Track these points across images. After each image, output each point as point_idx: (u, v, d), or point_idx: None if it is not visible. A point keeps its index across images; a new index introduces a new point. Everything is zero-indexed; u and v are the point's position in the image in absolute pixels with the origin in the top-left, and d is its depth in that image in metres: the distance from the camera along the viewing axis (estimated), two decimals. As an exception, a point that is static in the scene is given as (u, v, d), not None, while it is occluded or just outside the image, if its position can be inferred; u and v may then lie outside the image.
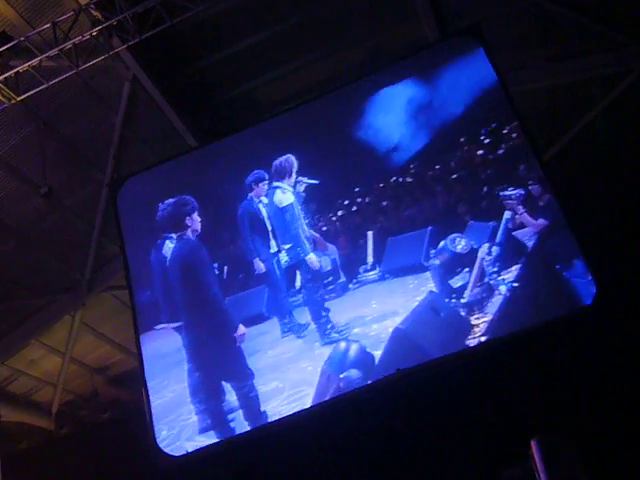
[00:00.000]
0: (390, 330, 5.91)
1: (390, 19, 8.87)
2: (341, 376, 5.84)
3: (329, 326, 6.28)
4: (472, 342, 5.68)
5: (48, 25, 7.34)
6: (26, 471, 9.53)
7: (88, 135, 9.35)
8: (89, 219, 10.18)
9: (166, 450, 6.41)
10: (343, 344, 6.04)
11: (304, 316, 6.48)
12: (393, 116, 6.98)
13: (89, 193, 9.97)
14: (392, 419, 6.74)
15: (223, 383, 6.23)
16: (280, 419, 6.15)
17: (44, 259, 10.29)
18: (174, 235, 6.49)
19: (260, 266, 6.75)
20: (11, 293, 10.18)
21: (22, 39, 7.33)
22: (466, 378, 6.34)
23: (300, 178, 6.74)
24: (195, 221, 6.51)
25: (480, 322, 5.67)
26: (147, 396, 6.84)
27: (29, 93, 7.72)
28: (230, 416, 6.19)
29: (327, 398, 5.91)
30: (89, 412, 12.59)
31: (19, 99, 7.72)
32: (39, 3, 7.51)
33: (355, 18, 8.83)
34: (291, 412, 6.09)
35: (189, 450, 6.37)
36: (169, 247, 6.53)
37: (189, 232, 6.46)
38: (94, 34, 7.38)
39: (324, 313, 6.36)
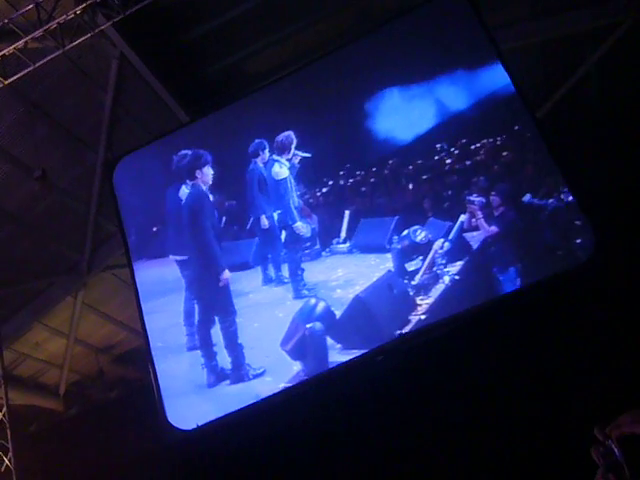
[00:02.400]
0: (351, 296, 6.71)
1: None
2: (307, 326, 6.61)
3: (302, 284, 7.07)
4: (414, 319, 6.45)
5: (31, 6, 7.26)
6: (38, 453, 9.62)
7: (79, 115, 9.30)
8: (85, 199, 10.16)
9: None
10: (313, 300, 6.83)
11: (284, 271, 7.26)
12: (389, 104, 7.35)
13: (83, 173, 9.95)
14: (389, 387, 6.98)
15: (212, 315, 7.01)
16: (277, 393, 6.56)
17: (42, 242, 10.30)
18: (189, 182, 7.23)
19: (265, 222, 7.39)
20: (12, 277, 10.20)
21: (6, 21, 7.25)
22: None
23: (296, 152, 7.34)
24: (205, 174, 7.15)
25: (423, 303, 6.52)
26: (155, 373, 6.95)
27: (17, 76, 7.66)
28: (214, 341, 6.88)
29: (293, 341, 6.63)
30: (96, 391, 12.68)
31: (7, 82, 7.66)
32: (21, -16, 7.43)
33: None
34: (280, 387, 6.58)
35: (199, 424, 6.62)
36: (184, 192, 7.31)
37: (200, 182, 7.15)
38: (78, 12, 7.30)
39: (299, 272, 7.14)
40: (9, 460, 7.58)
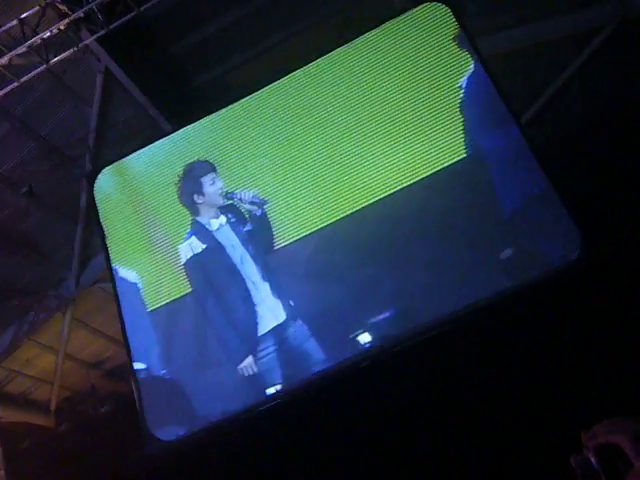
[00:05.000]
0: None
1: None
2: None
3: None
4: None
5: (15, 22, 7.27)
6: (30, 469, 9.57)
7: (65, 130, 9.30)
8: (72, 214, 10.14)
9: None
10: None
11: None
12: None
13: (70, 189, 9.92)
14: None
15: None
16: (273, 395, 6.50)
17: (30, 258, 10.27)
18: None
19: None
20: None
21: (-11, 38, 7.27)
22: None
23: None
24: None
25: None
26: (136, 381, 6.94)
27: (1, 92, 7.67)
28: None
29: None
30: (88, 407, 12.61)
31: (-9, 99, 7.68)
32: (3, 0, 7.43)
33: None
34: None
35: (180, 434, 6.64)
36: None
37: None
38: (62, 28, 7.32)
39: None
40: (1, 477, 7.54)
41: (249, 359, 6.53)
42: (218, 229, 6.96)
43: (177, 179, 7.32)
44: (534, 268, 6.23)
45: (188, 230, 7.14)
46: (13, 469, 7.76)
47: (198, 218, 7.12)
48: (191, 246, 7.02)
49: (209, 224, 7.02)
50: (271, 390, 6.48)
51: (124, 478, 8.57)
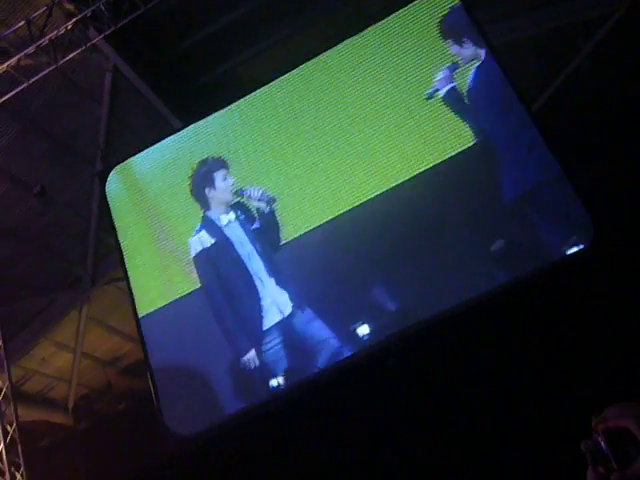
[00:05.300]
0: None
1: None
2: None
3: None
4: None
5: (22, 23, 7.28)
6: (49, 468, 9.64)
7: (75, 129, 9.32)
8: (85, 213, 10.18)
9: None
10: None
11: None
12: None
13: (82, 187, 9.97)
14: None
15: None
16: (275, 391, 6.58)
17: (44, 258, 10.33)
18: None
19: None
20: (15, 295, 10.21)
21: (-3, 39, 7.29)
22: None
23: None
24: None
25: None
26: (152, 377, 6.99)
27: (11, 93, 7.69)
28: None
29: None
30: (105, 404, 12.69)
31: (1, 100, 7.69)
32: (10, 1, 7.44)
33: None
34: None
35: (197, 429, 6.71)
36: None
37: None
38: (69, 27, 7.33)
39: None
40: (21, 475, 7.59)
41: (252, 352, 6.62)
42: (227, 225, 7.04)
43: (191, 172, 7.40)
44: (545, 255, 6.21)
45: (199, 224, 7.21)
46: (33, 468, 7.81)
47: (208, 213, 7.19)
48: (201, 240, 7.10)
49: (219, 219, 7.10)
50: (274, 382, 6.55)
51: (142, 474, 8.62)
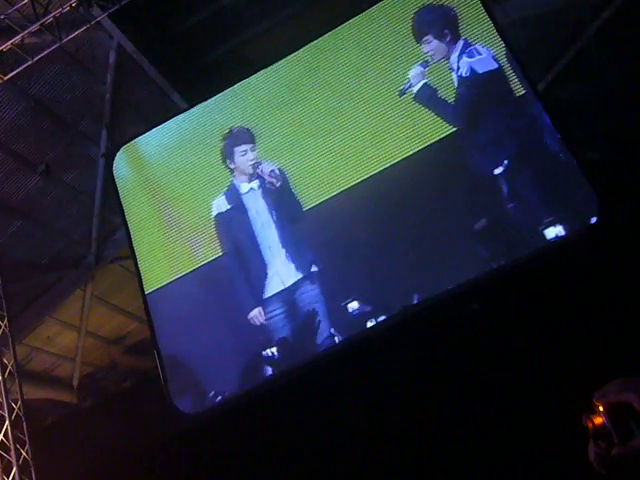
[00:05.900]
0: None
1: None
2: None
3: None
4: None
5: (27, 1, 7.25)
6: (54, 445, 9.68)
7: (79, 108, 9.30)
8: (89, 192, 10.19)
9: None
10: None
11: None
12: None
13: (86, 166, 9.97)
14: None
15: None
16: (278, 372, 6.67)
17: (50, 236, 10.34)
18: None
19: None
20: (20, 273, 10.22)
21: (2, 17, 7.25)
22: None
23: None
24: None
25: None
26: (159, 354, 7.05)
27: (15, 71, 7.66)
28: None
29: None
30: (110, 383, 12.75)
31: (6, 78, 7.67)
32: (14, -21, 7.40)
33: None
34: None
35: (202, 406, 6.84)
36: None
37: None
38: (73, 5, 7.29)
39: None
40: (26, 452, 7.64)
41: (258, 309, 6.81)
42: (247, 193, 7.30)
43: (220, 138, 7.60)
44: (549, 234, 6.19)
45: (224, 190, 7.43)
46: (38, 446, 7.87)
47: (233, 180, 7.42)
48: (222, 203, 7.41)
49: (239, 187, 7.36)
50: (273, 349, 6.66)
51: (147, 451, 8.68)
